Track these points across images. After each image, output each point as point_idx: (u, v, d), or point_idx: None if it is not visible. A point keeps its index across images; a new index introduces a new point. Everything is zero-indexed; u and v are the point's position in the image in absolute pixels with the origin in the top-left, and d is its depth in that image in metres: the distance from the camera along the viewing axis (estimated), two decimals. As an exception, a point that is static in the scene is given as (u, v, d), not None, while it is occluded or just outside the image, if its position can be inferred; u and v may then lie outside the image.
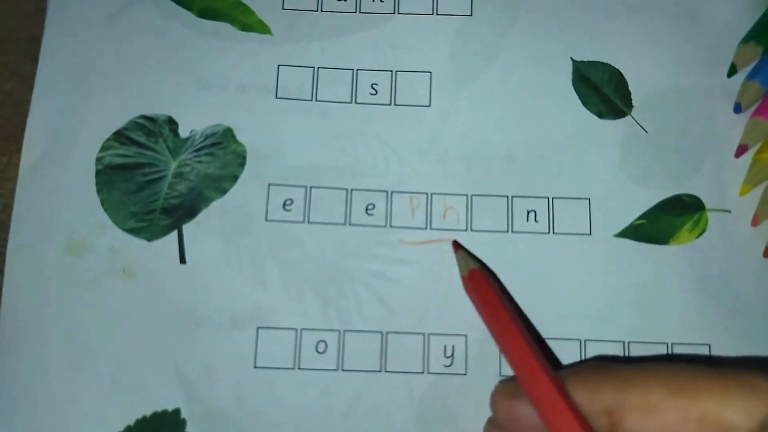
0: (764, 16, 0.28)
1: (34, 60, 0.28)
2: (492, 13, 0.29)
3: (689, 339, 0.26)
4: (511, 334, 0.23)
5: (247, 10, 0.29)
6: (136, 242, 0.26)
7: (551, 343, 0.26)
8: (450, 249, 0.27)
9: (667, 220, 0.27)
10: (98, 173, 0.27)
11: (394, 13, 0.29)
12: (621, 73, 0.28)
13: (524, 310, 0.26)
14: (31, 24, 0.29)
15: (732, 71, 0.28)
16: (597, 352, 0.26)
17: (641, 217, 0.27)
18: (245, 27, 0.29)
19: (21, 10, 0.29)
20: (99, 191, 0.27)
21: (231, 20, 0.29)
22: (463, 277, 0.26)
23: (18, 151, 0.27)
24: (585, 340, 0.26)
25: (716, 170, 0.28)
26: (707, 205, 0.27)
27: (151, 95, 0.28)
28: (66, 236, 0.26)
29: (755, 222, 0.27)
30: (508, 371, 0.26)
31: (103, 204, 0.26)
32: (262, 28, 0.29)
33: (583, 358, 0.26)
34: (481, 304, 0.25)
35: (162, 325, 0.26)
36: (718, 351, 0.26)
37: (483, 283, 0.25)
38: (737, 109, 0.28)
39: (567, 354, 0.26)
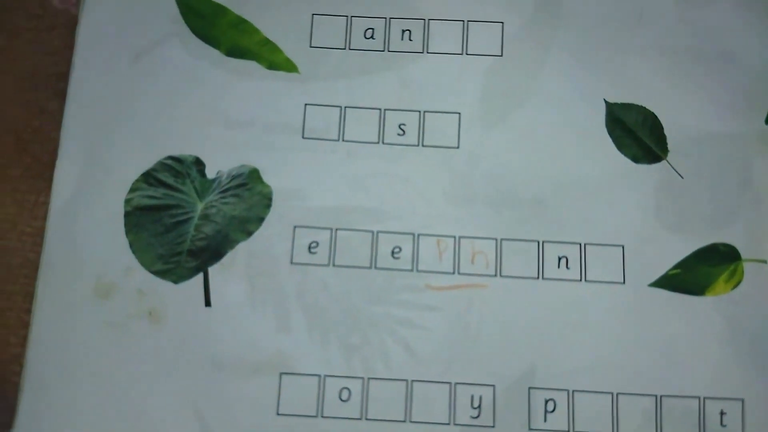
0: (807, 61, 0.27)
1: (62, 97, 0.28)
2: (523, 53, 0.28)
3: (722, 393, 0.26)
4: None
5: (275, 48, 0.29)
6: (163, 284, 0.26)
7: (582, 396, 0.26)
8: (479, 294, 0.26)
9: (703, 270, 0.26)
10: (127, 215, 0.27)
11: (423, 52, 0.29)
12: (656, 116, 0.28)
13: (555, 359, 0.26)
14: (59, 60, 0.29)
15: (771, 117, 0.27)
16: (629, 406, 0.25)
17: (676, 266, 0.26)
18: (272, 65, 0.28)
19: (49, 46, 0.29)
20: (128, 233, 0.27)
21: (258, 58, 0.29)
22: None
23: (46, 189, 0.28)
24: (617, 393, 0.26)
25: (753, 219, 0.27)
26: (744, 255, 0.26)
27: (178, 135, 0.28)
28: (95, 278, 0.26)
29: (795, 274, 0.26)
30: (537, 423, 0.25)
31: (131, 246, 0.26)
32: (289, 67, 0.28)
33: (615, 412, 0.25)
34: None
35: (185, 369, 0.26)
36: (751, 406, 0.25)
37: None
38: (777, 156, 0.27)
39: (597, 407, 0.25)
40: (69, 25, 0.29)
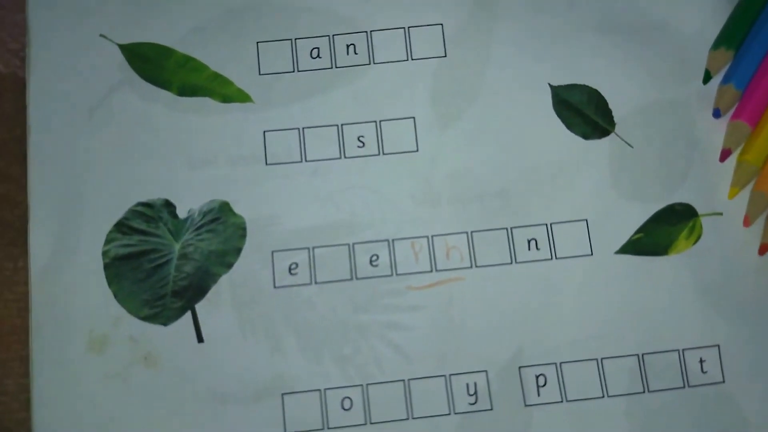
0: (730, 21, 0.29)
1: (23, 160, 0.28)
2: (466, 51, 0.29)
3: (699, 343, 0.27)
4: None
5: (225, 81, 0.29)
6: (153, 328, 0.27)
7: (569, 367, 0.27)
8: (459, 287, 0.27)
9: (664, 230, 0.28)
10: (106, 266, 0.27)
11: (370, 64, 0.30)
12: (599, 93, 0.29)
13: (539, 336, 0.27)
14: (13, 125, 0.29)
15: (707, 78, 0.29)
16: (614, 369, 0.27)
17: (638, 231, 0.28)
18: (225, 98, 0.29)
19: (2, 112, 0.30)
20: (110, 284, 0.27)
21: (211, 93, 0.29)
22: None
23: (23, 254, 0.28)
24: (602, 359, 0.27)
25: (704, 176, 0.28)
26: (699, 211, 0.28)
27: (144, 181, 0.28)
28: (86, 333, 0.27)
29: (747, 223, 0.27)
30: (532, 399, 0.27)
31: (116, 296, 0.27)
32: (243, 97, 0.29)
33: (602, 377, 0.27)
34: None
35: (189, 406, 0.26)
36: (726, 350, 0.27)
37: None
38: (716, 114, 0.28)
39: (585, 374, 0.27)
40: (17, 88, 0.29)
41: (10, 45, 0.30)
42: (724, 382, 0.27)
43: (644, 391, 0.27)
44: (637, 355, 0.27)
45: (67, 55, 0.29)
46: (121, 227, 0.28)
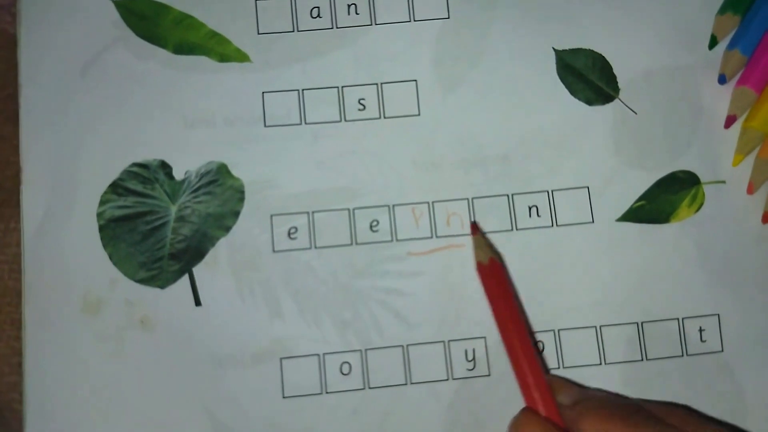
0: (739, -15, 0.28)
1: (14, 120, 0.28)
2: (469, 13, 0.29)
3: (698, 311, 0.27)
4: (518, 329, 0.24)
5: (223, 40, 0.28)
6: (150, 291, 0.26)
7: (568, 334, 0.27)
8: (458, 254, 0.27)
9: (665, 198, 0.28)
10: (101, 228, 0.27)
11: (371, 25, 0.29)
12: (604, 58, 0.28)
13: (537, 303, 0.27)
14: (5, 82, 0.28)
15: (713, 43, 0.28)
16: (612, 337, 0.27)
17: (640, 198, 0.28)
18: (223, 58, 0.28)
19: (-8, 69, 0.29)
20: (105, 246, 0.27)
21: (208, 52, 0.28)
22: (479, 263, 0.26)
23: (15, 215, 0.27)
24: (601, 326, 0.27)
25: (708, 143, 0.28)
26: (702, 179, 0.28)
27: (139, 141, 0.27)
28: (81, 295, 0.26)
29: (751, 190, 0.27)
30: (530, 366, 0.26)
31: (111, 258, 0.26)
32: (241, 57, 0.28)
33: (600, 344, 0.27)
34: (494, 294, 0.25)
35: (187, 370, 0.26)
36: (726, 319, 0.27)
37: (500, 273, 0.25)
38: (722, 80, 0.28)
39: (584, 342, 0.27)
40: (8, 45, 0.29)
41: (1, 0, 0.29)
42: (722, 351, 0.27)
43: (642, 359, 0.27)
44: (636, 323, 0.27)
45: (59, 11, 0.28)
46: (116, 188, 0.27)
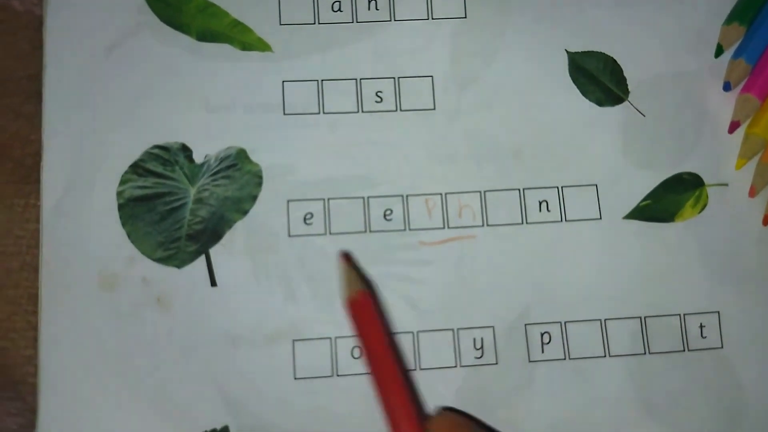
0: (744, -4, 0.29)
1: (37, 99, 0.28)
2: (485, 14, 0.30)
3: (700, 308, 0.28)
4: (390, 370, 0.24)
5: (246, 29, 0.29)
6: (167, 270, 0.27)
7: (574, 326, 0.28)
8: (469, 245, 0.28)
9: (671, 198, 0.29)
10: (121, 207, 0.27)
11: (390, 21, 0.30)
12: (615, 61, 0.30)
13: (546, 295, 0.28)
14: (28, 63, 0.29)
15: (719, 52, 0.29)
16: (616, 330, 0.28)
17: (646, 197, 0.29)
18: (246, 46, 0.29)
19: (17, 49, 0.29)
20: (124, 224, 0.27)
21: (231, 41, 0.29)
22: (347, 299, 0.25)
23: (34, 192, 0.28)
24: (605, 320, 0.28)
25: (712, 147, 0.29)
26: (706, 181, 0.29)
27: (161, 124, 0.28)
28: (97, 272, 0.27)
29: (752, 193, 0.28)
30: (536, 355, 0.27)
31: (129, 236, 0.27)
32: (263, 46, 0.29)
33: (605, 337, 0.27)
34: (363, 330, 0.24)
35: (201, 349, 0.26)
36: (726, 317, 0.28)
37: (369, 308, 0.24)
38: (726, 87, 0.29)
39: (589, 334, 0.27)
40: (34, 26, 0.29)
41: (26, -18, 0.30)
42: (722, 347, 0.28)
43: (645, 353, 0.27)
44: (640, 317, 0.28)
45: (86, -6, 0.29)
46: (137, 169, 0.28)
